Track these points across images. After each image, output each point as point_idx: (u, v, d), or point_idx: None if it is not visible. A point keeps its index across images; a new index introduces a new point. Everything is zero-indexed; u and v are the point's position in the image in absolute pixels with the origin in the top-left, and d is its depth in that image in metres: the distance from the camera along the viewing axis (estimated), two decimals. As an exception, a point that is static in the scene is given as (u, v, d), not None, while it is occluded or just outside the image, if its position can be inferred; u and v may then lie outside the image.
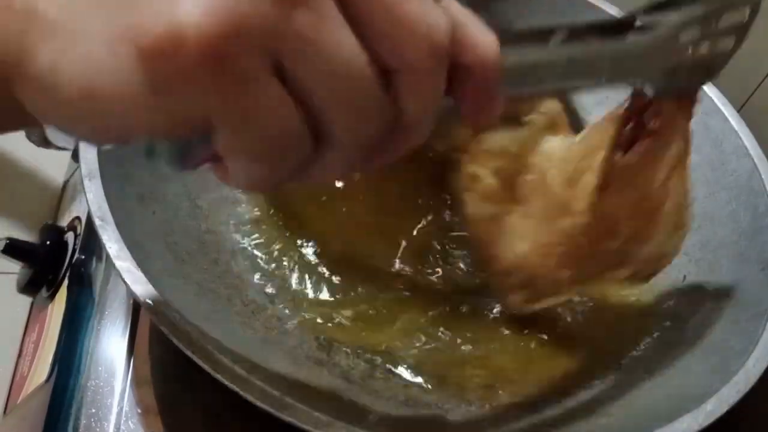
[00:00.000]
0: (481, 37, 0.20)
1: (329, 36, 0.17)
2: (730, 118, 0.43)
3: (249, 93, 0.17)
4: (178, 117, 0.17)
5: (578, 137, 0.34)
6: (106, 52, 0.16)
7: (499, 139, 0.37)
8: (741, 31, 0.28)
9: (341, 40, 0.17)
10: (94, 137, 0.20)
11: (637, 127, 0.31)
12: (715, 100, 0.44)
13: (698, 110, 0.32)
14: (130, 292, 0.29)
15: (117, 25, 0.16)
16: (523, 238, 0.35)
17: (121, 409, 0.33)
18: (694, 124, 0.43)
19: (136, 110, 0.17)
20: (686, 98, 0.31)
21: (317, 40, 0.17)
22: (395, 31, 0.17)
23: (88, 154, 0.33)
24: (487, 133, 0.38)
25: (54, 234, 0.45)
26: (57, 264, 0.43)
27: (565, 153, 0.34)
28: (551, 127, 0.36)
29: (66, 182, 0.54)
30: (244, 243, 0.40)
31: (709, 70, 0.29)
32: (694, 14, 0.27)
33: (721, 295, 0.38)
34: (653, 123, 0.31)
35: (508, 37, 0.22)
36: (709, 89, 0.44)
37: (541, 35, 0.23)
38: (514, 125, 0.37)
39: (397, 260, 0.41)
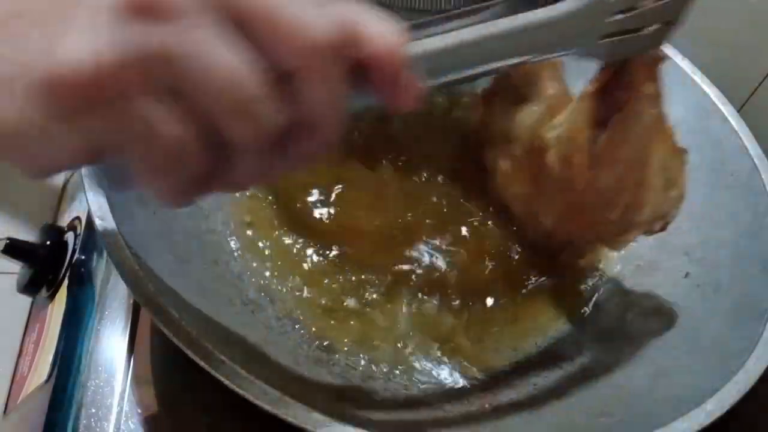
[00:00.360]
0: (378, 30, 0.20)
1: (205, 51, 0.17)
2: (730, 118, 0.43)
3: (135, 116, 0.18)
4: (83, 145, 0.18)
5: (563, 118, 0.35)
6: (5, 94, 0.18)
7: (508, 122, 0.38)
8: None
9: (219, 53, 0.18)
10: (24, 169, 0.21)
11: (610, 102, 0.32)
12: (715, 100, 0.44)
13: (664, 71, 0.31)
14: (130, 292, 0.29)
15: (9, 69, 0.18)
16: (546, 214, 0.37)
17: (121, 409, 0.33)
18: (694, 123, 0.43)
19: (43, 142, 0.18)
20: (648, 59, 0.31)
21: (192, 58, 0.17)
22: (276, 36, 0.18)
23: (88, 154, 0.33)
24: (496, 116, 0.40)
25: (54, 234, 0.45)
26: (57, 264, 0.43)
27: (558, 133, 0.35)
28: (552, 108, 0.37)
29: (66, 182, 0.54)
30: (244, 243, 0.40)
31: (668, 20, 0.28)
32: None
33: (721, 295, 0.38)
34: (621, 94, 0.31)
35: (426, 25, 0.21)
36: (709, 89, 0.44)
37: (465, 15, 0.23)
38: (521, 104, 0.38)
39: (399, 261, 0.41)
